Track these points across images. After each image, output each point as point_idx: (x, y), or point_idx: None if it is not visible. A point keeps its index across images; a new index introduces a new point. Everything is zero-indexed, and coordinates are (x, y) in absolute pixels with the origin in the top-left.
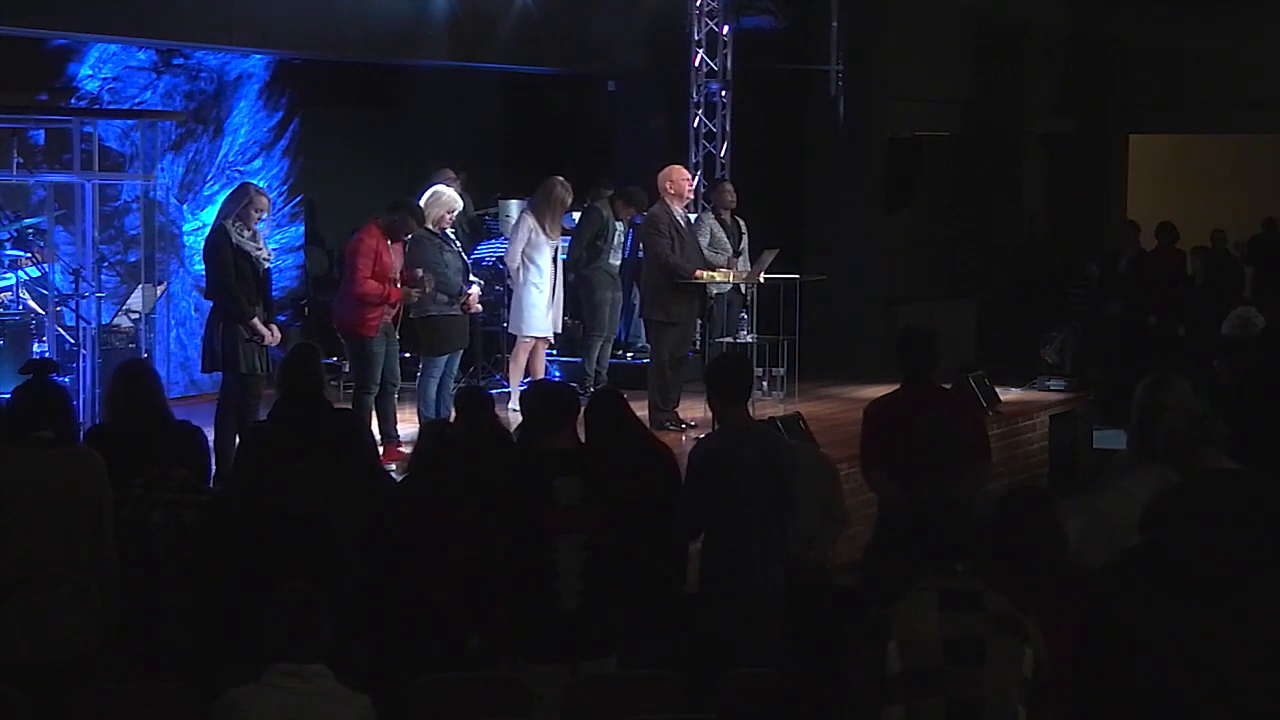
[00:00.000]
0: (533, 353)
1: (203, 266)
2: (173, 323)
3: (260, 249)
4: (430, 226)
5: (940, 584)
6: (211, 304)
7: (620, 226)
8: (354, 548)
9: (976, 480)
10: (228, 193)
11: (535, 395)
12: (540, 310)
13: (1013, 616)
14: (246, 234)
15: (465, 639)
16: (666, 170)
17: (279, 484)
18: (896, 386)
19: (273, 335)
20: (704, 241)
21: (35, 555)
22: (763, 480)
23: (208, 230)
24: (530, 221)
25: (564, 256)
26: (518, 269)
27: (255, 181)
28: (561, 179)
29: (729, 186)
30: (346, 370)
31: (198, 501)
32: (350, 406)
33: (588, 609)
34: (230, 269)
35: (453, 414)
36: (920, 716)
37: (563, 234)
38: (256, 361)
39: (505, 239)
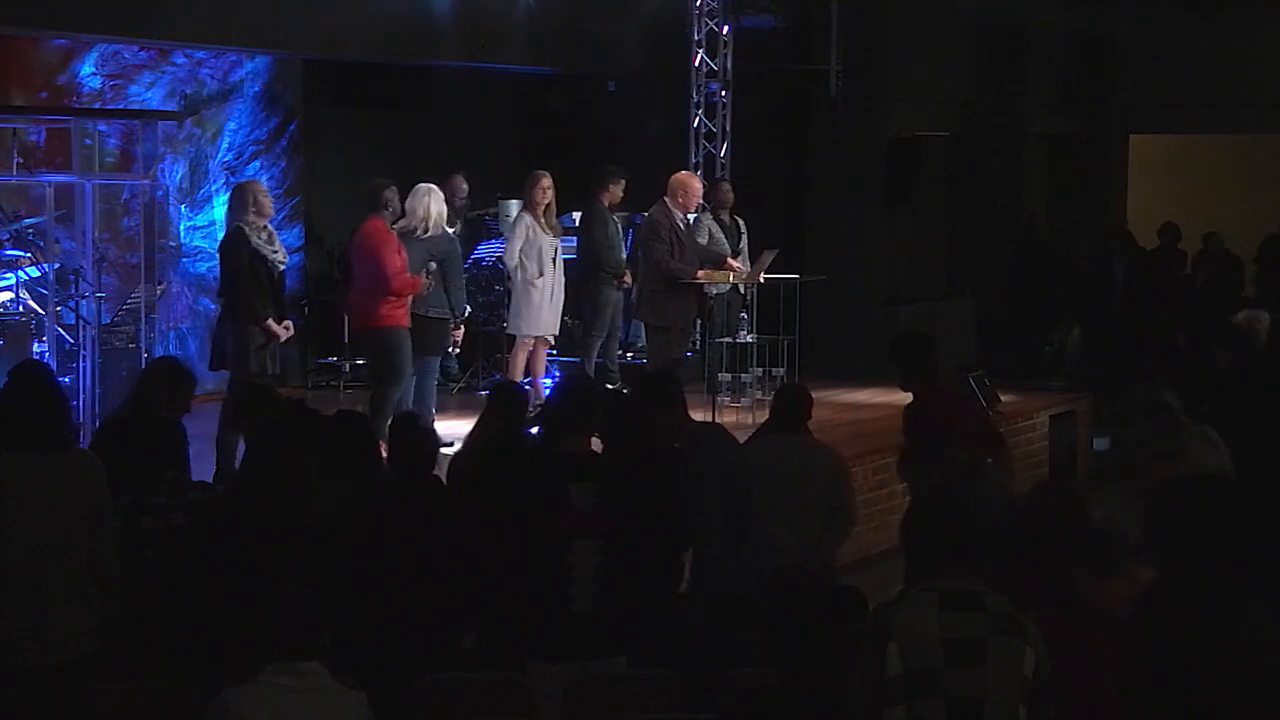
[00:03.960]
0: (533, 353)
1: (203, 267)
2: (173, 322)
3: (276, 251)
4: (445, 227)
5: (941, 584)
6: (222, 303)
7: (613, 219)
8: (348, 548)
9: (1005, 474)
10: (225, 194)
11: (560, 396)
12: (538, 309)
13: (1013, 616)
14: (263, 236)
15: (460, 638)
16: (682, 179)
17: (281, 486)
18: (908, 391)
19: (286, 331)
20: (702, 241)
21: (34, 558)
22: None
23: (222, 231)
24: (528, 219)
25: (566, 257)
26: (515, 268)
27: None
28: (538, 170)
29: (728, 186)
30: (347, 370)
31: (187, 502)
32: (370, 407)
33: (600, 610)
34: (246, 271)
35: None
36: (921, 717)
37: (565, 234)
38: (266, 363)
39: (505, 239)
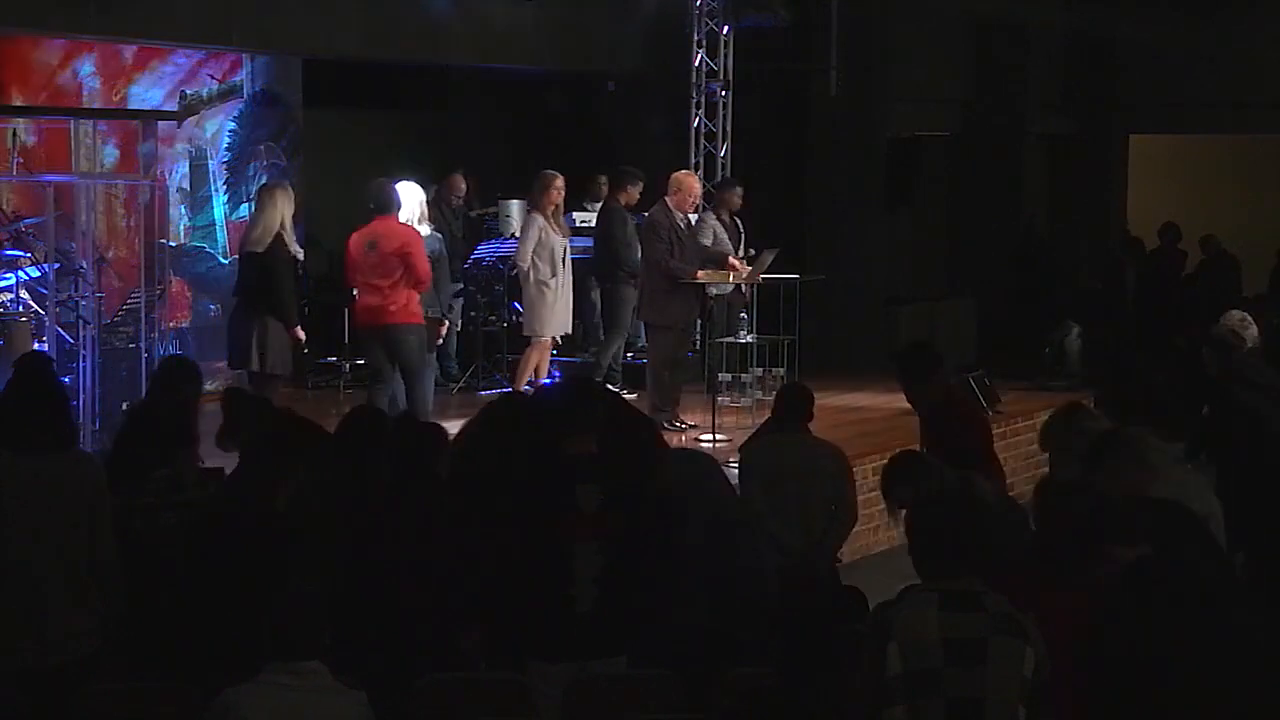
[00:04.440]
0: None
1: (203, 267)
2: (173, 322)
3: (298, 253)
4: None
5: (941, 585)
6: (249, 302)
7: (631, 219)
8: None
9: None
10: (225, 194)
11: (563, 396)
12: (552, 310)
13: (1013, 616)
14: (291, 238)
15: (459, 638)
16: (681, 178)
17: (272, 493)
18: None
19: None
20: (706, 242)
21: (34, 559)
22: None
23: (223, 232)
24: (539, 220)
25: (574, 256)
26: (529, 269)
27: (262, 181)
28: (548, 171)
29: (739, 190)
30: (347, 370)
31: (178, 501)
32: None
33: (601, 611)
34: (288, 276)
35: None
36: (921, 717)
37: (573, 234)
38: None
39: (504, 239)
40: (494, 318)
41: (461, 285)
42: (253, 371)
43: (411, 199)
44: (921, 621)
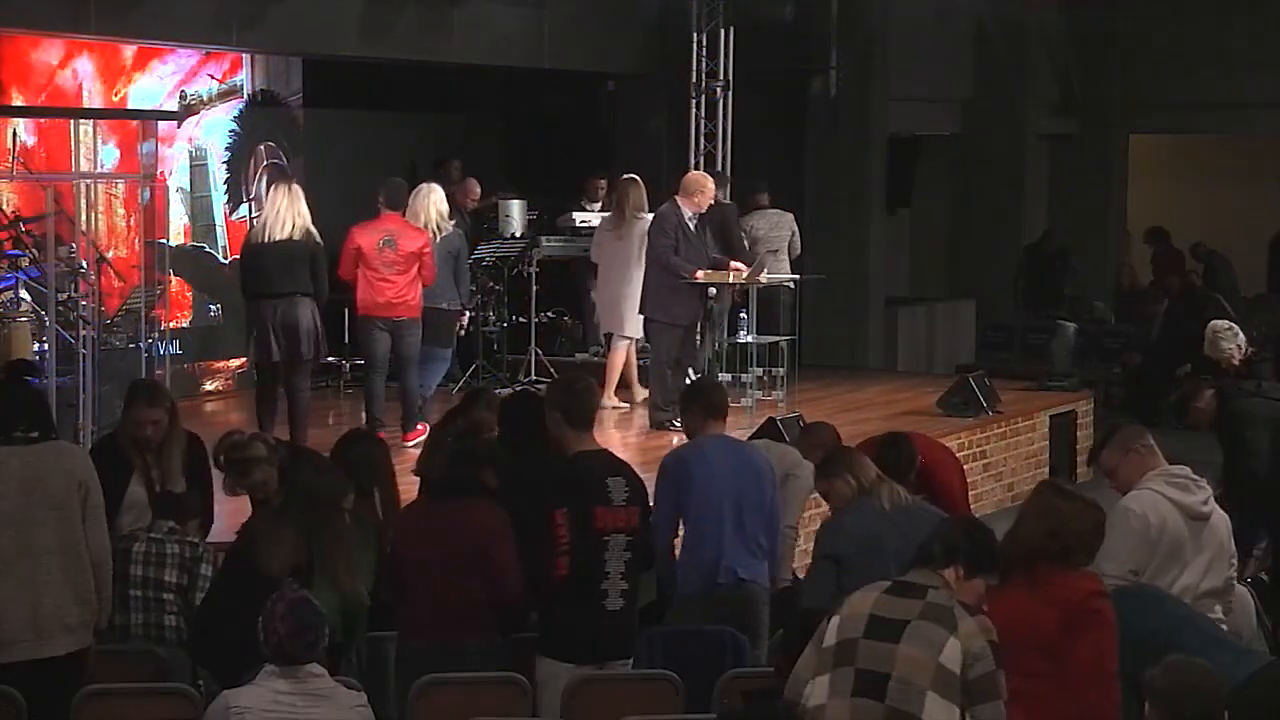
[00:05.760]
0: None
1: (203, 267)
2: (172, 322)
3: None
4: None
5: (904, 576)
6: (296, 292)
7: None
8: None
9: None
10: (225, 194)
11: (573, 393)
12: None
13: (949, 610)
14: None
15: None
16: (698, 178)
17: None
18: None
19: None
20: (784, 242)
21: (26, 550)
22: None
23: (224, 232)
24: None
25: (575, 256)
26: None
27: (263, 181)
28: (628, 176)
29: (764, 197)
30: (346, 370)
31: (182, 541)
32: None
33: (627, 609)
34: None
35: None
36: (835, 685)
37: (573, 234)
38: None
39: (505, 239)
40: (494, 317)
41: None
42: (298, 359)
43: (438, 201)
44: (862, 599)
